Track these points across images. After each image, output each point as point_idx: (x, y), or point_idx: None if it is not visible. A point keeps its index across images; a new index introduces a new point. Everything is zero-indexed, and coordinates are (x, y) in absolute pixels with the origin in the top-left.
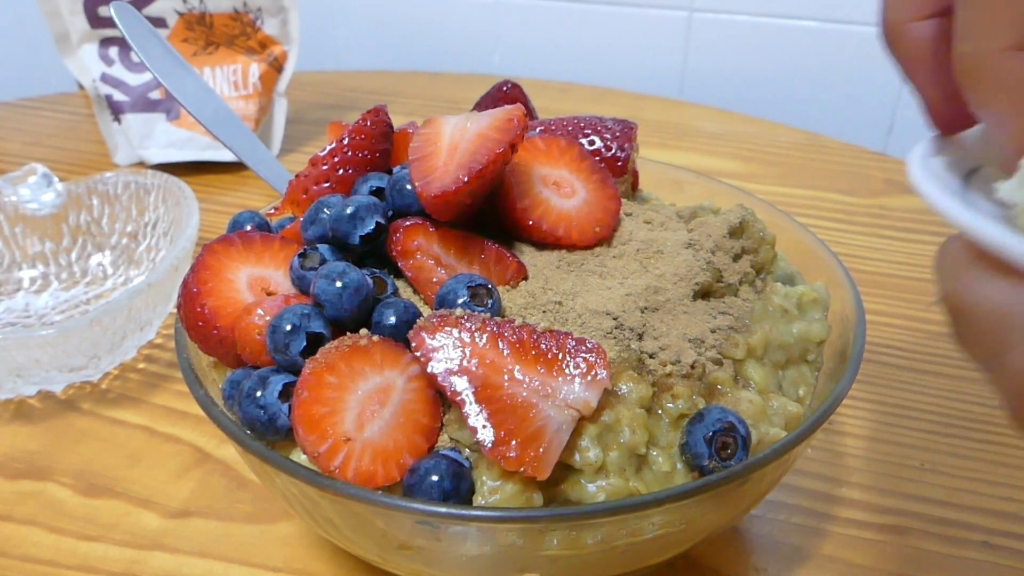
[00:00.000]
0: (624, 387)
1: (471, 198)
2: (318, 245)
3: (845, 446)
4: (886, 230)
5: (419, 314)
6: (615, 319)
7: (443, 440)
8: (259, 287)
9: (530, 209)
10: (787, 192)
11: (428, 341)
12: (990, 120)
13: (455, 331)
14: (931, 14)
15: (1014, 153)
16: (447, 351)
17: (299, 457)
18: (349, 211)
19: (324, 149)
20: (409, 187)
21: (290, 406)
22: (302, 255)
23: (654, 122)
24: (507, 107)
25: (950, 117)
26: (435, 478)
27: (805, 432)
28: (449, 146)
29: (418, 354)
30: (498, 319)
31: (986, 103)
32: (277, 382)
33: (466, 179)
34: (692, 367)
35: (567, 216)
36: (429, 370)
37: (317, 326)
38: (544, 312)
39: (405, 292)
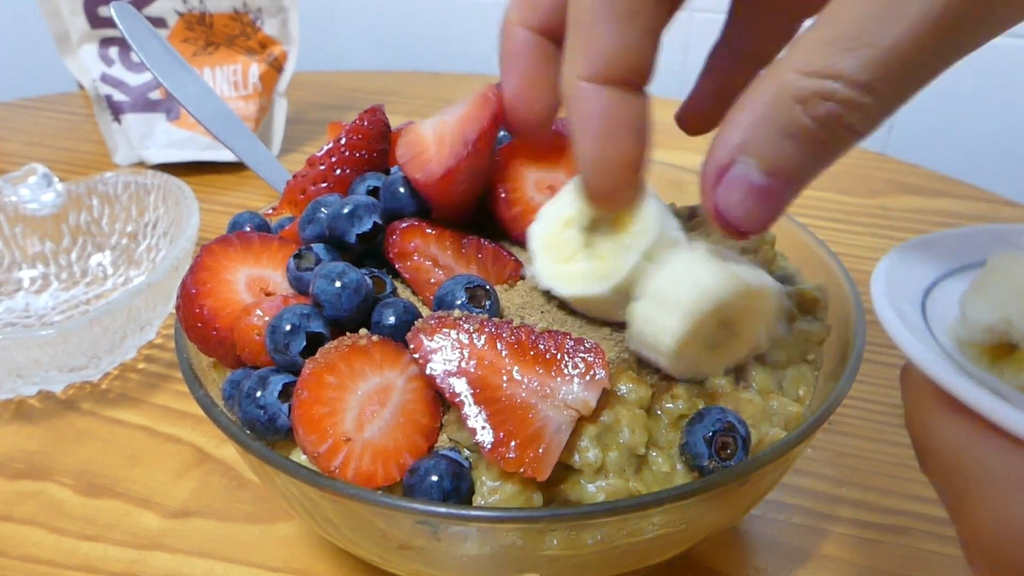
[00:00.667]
0: (624, 387)
1: (472, 176)
2: (314, 245)
3: (845, 446)
4: (886, 230)
5: (419, 314)
6: None
7: (443, 440)
8: (258, 287)
9: (523, 216)
10: None
11: (426, 343)
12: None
13: (453, 332)
14: (536, 28)
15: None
16: (445, 353)
17: (299, 457)
18: (346, 210)
19: (321, 149)
20: (402, 190)
21: (290, 406)
22: (298, 256)
23: (654, 122)
24: (478, 89)
25: (520, 118)
26: (435, 478)
27: (805, 432)
28: (436, 138)
29: (416, 356)
30: (496, 320)
31: (570, 126)
32: (277, 382)
33: (465, 154)
34: None
35: None
36: (428, 372)
37: (317, 326)
38: (543, 312)
39: (404, 293)
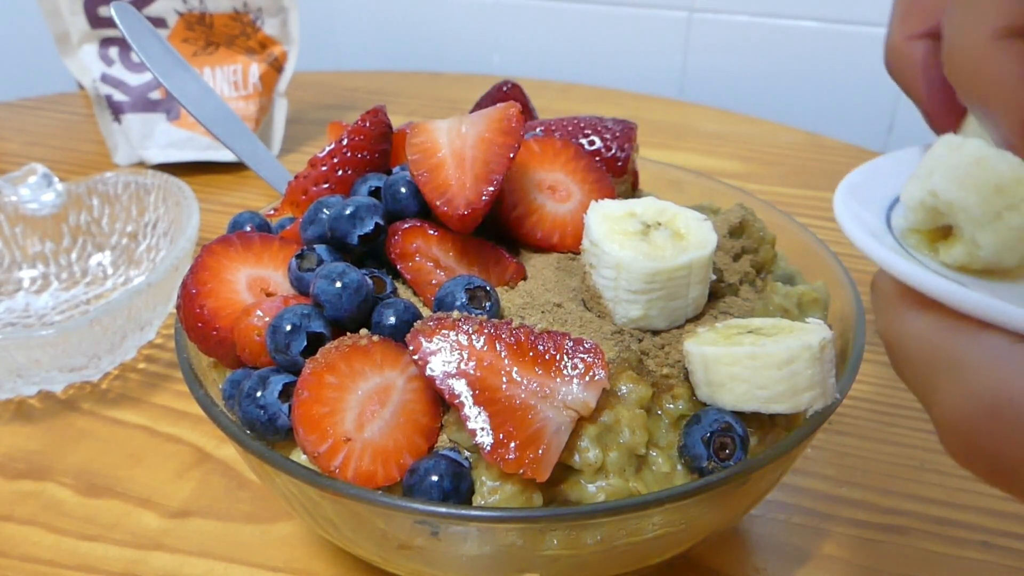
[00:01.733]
0: (624, 388)
1: (492, 206)
2: (316, 246)
3: (845, 446)
4: None
5: (419, 314)
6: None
7: (443, 440)
8: (258, 288)
9: (524, 217)
10: (787, 192)
11: (425, 344)
12: (979, 115)
13: (452, 334)
14: (925, 33)
15: (1010, 144)
16: (444, 354)
17: (299, 457)
18: (348, 211)
19: (323, 150)
20: (404, 191)
21: (290, 406)
22: (299, 256)
23: (654, 122)
24: (499, 105)
25: (951, 125)
26: (435, 478)
27: (805, 432)
28: (454, 154)
29: (415, 357)
30: (495, 321)
31: (973, 99)
32: (277, 382)
33: (492, 188)
34: None
35: (562, 222)
36: (427, 373)
37: (317, 326)
38: (543, 313)
39: (404, 293)
